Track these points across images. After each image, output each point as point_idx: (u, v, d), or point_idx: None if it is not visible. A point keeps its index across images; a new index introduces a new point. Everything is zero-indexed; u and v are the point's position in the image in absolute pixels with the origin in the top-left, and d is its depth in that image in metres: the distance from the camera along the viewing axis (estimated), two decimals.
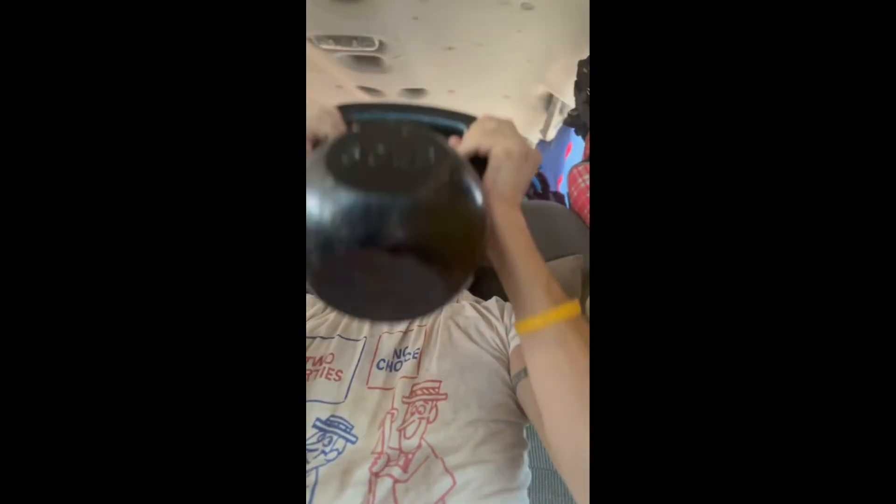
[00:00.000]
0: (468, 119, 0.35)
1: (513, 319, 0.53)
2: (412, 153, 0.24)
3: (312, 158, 0.26)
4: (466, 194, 0.26)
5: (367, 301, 0.27)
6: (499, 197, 0.33)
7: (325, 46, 1.14)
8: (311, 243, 0.24)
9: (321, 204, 0.23)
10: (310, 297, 0.60)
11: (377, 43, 1.13)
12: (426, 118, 0.37)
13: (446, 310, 0.56)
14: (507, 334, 0.52)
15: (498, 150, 0.33)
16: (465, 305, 0.57)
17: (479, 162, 0.32)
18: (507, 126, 0.35)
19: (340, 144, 0.25)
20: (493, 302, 0.58)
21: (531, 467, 0.48)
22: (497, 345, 0.52)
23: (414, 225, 0.23)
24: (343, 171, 0.23)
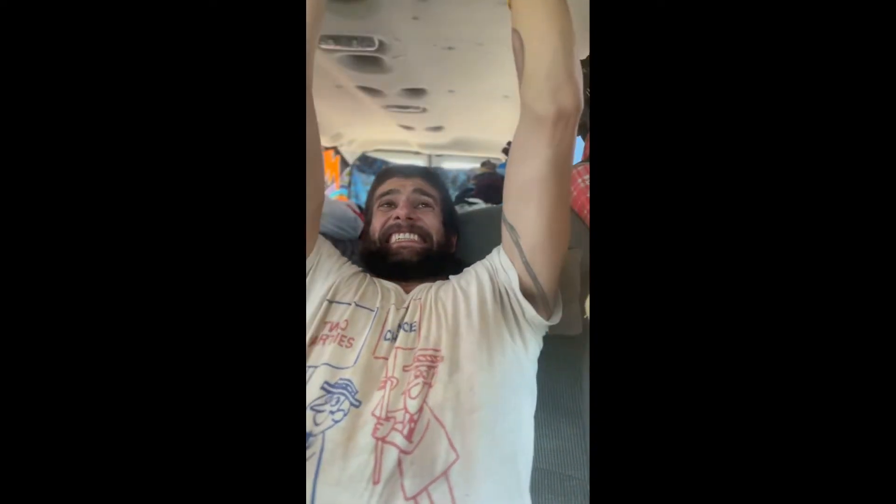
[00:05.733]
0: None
1: (501, 253, 0.56)
2: None
3: None
4: None
5: None
6: None
7: (325, 46, 1.14)
8: None
9: None
10: (337, 264, 0.61)
11: (377, 43, 1.13)
12: None
13: (436, 285, 0.58)
14: (492, 268, 0.55)
15: None
16: (451, 278, 0.59)
17: None
18: None
19: None
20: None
21: (532, 468, 0.48)
22: (479, 284, 0.54)
23: None
24: None
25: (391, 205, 0.64)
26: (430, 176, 0.68)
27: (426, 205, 0.64)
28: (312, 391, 0.44)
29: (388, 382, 0.45)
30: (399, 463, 0.39)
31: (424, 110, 1.73)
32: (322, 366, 0.46)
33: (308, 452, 0.39)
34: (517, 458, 0.45)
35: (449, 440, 0.41)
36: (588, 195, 0.83)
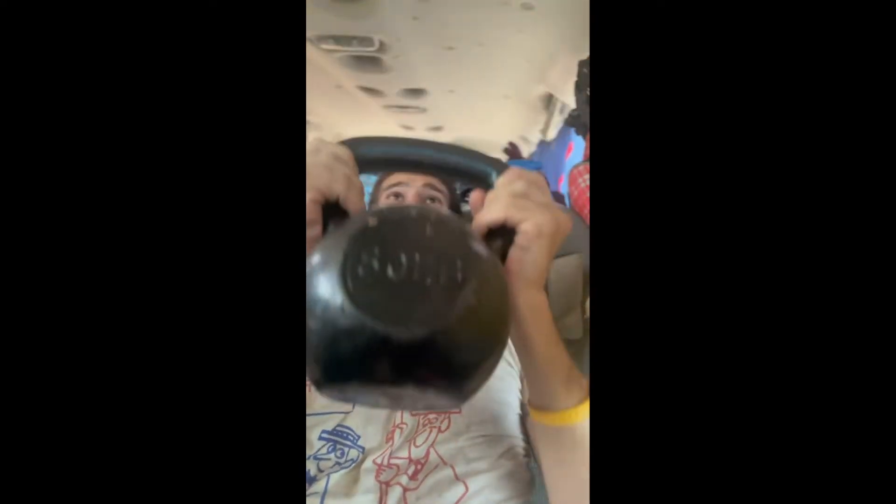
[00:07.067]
0: (495, 163, 0.32)
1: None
2: (437, 264, 0.23)
3: (322, 254, 0.24)
4: (495, 316, 0.24)
5: (377, 404, 0.26)
6: (524, 280, 0.29)
7: (325, 46, 1.14)
8: (315, 356, 0.23)
9: (330, 323, 0.22)
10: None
11: (377, 43, 1.14)
12: (451, 159, 0.33)
13: None
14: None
15: (528, 226, 0.28)
16: None
17: (504, 232, 0.29)
18: (537, 190, 0.30)
19: (355, 253, 0.23)
20: None
21: (533, 466, 0.48)
22: (514, 363, 0.52)
23: (435, 355, 0.21)
24: (359, 293, 0.22)
25: (398, 197, 0.61)
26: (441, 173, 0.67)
27: (435, 200, 0.62)
28: (312, 441, 0.42)
29: (398, 430, 0.43)
30: (404, 498, 0.38)
31: (424, 110, 1.74)
32: (318, 414, 0.44)
33: (309, 490, 0.39)
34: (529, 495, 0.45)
35: (458, 478, 0.40)
36: (588, 195, 0.83)
